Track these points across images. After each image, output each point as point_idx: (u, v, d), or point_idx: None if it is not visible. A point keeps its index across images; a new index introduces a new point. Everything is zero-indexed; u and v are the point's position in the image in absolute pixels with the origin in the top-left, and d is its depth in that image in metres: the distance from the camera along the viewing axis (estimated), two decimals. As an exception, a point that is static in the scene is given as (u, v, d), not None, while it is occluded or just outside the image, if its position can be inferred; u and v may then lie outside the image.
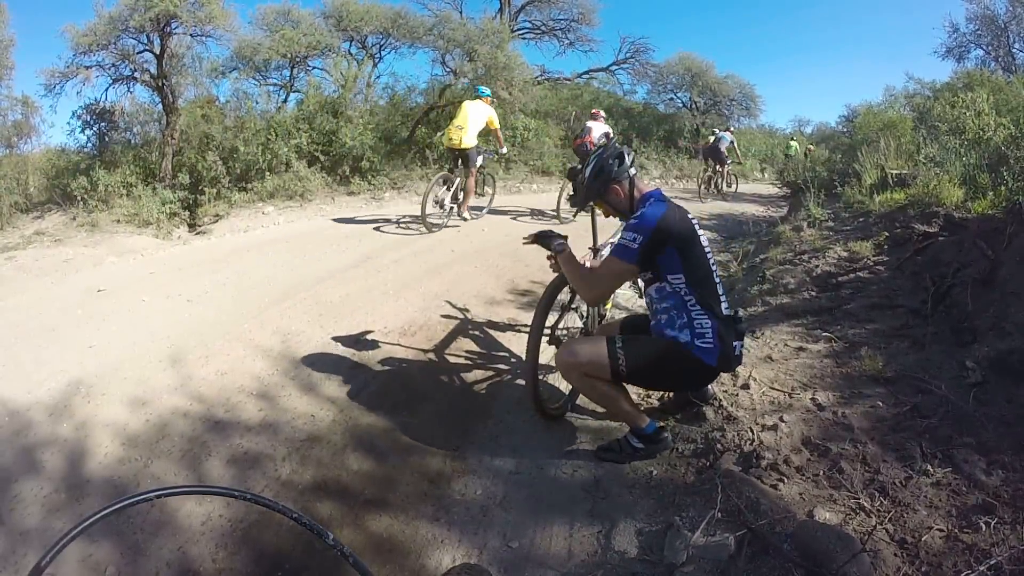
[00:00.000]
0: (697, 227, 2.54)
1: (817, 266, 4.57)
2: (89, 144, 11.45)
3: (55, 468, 2.70)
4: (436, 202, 7.71)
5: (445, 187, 7.89)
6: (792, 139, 18.17)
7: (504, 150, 9.17)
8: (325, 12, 14.38)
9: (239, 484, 2.59)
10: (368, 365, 3.78)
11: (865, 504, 2.09)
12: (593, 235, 3.54)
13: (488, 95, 8.53)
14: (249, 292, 5.30)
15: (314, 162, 11.42)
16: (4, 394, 3.39)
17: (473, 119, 7.89)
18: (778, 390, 3.02)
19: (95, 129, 11.51)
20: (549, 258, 2.79)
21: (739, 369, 3.12)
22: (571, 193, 3.45)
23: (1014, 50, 16.50)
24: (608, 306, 3.63)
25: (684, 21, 43.08)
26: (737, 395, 3.00)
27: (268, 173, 10.80)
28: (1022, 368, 2.72)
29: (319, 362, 3.80)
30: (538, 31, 20.94)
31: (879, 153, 6.29)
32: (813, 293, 4.30)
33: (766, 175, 17.68)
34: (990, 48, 16.90)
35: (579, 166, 3.43)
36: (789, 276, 4.59)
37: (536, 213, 9.60)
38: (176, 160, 11.00)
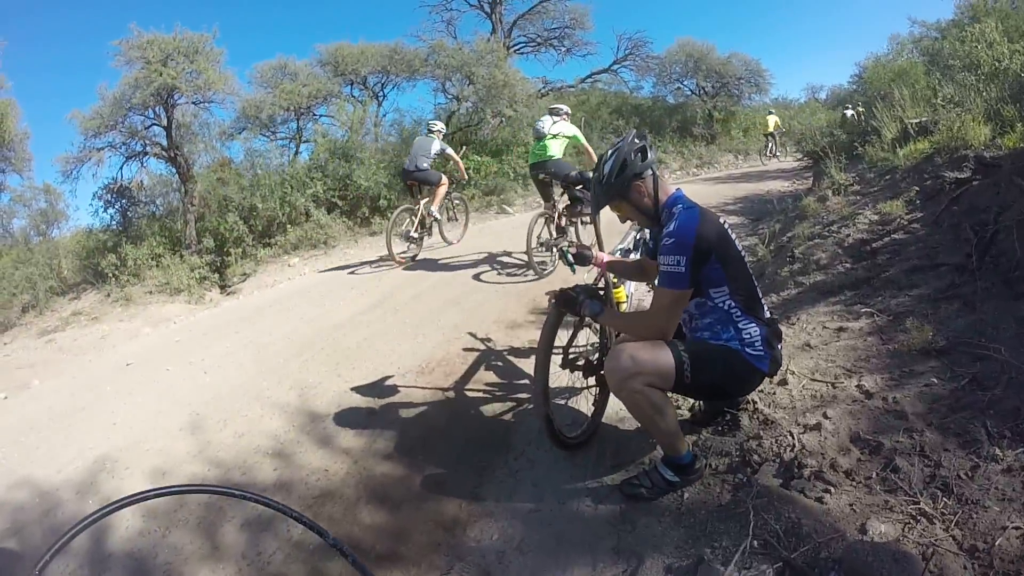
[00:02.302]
0: (729, 229, 2.34)
1: (848, 235, 4.23)
2: (113, 222, 11.79)
3: (80, 545, 2.66)
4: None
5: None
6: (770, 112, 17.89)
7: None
8: (321, 60, 14.67)
9: (251, 548, 2.55)
10: (384, 411, 3.65)
11: (926, 508, 1.80)
12: (599, 245, 3.30)
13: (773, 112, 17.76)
14: (269, 348, 5.26)
15: (333, 208, 11.48)
16: (35, 475, 3.46)
17: (772, 122, 16.96)
18: (820, 381, 2.72)
19: (117, 207, 11.86)
20: (550, 296, 2.59)
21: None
22: (568, 203, 3.19)
23: (1018, -27, 15.64)
24: (623, 307, 3.38)
25: (677, 6, 42.40)
26: (774, 393, 2.71)
27: (289, 226, 10.91)
28: (1090, 314, 2.39)
29: (335, 413, 3.70)
30: (534, 43, 20.96)
31: (895, 105, 5.91)
32: (848, 265, 3.96)
33: (788, 149, 17.08)
34: (992, -26, 16.07)
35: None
36: (819, 251, 4.26)
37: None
38: (199, 225, 11.22)
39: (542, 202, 6.81)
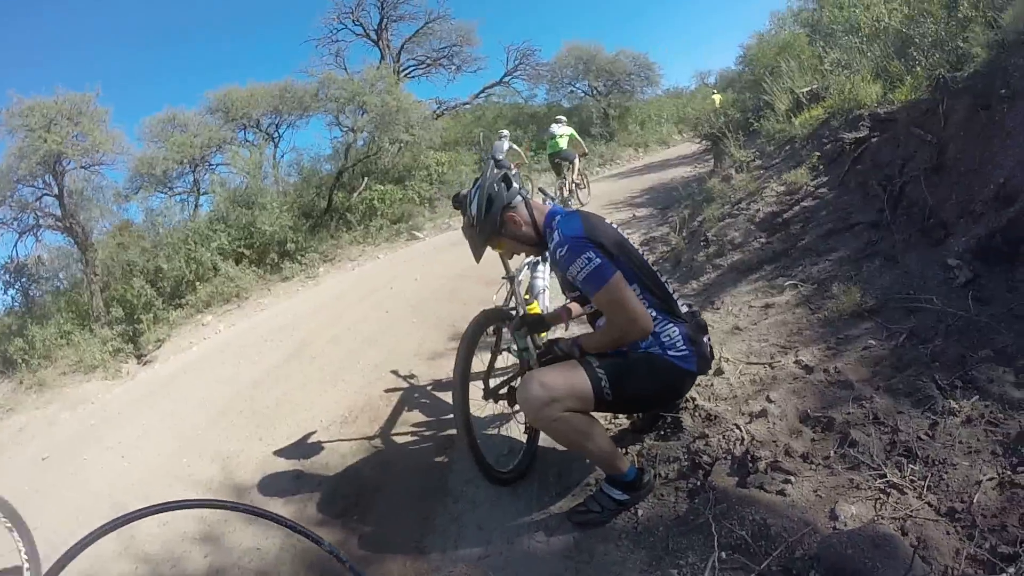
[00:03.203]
0: (620, 229, 2.22)
1: (758, 210, 4.21)
2: (15, 303, 10.96)
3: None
4: None
5: None
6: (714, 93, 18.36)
7: None
8: (211, 107, 14.09)
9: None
10: (311, 471, 3.36)
11: (894, 478, 1.68)
12: (504, 265, 3.11)
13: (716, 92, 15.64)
14: (186, 419, 4.95)
15: (240, 259, 10.96)
16: (-42, 600, 3.11)
17: (717, 100, 13.82)
18: (756, 363, 2.62)
19: (17, 287, 11.02)
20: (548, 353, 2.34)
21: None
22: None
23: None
24: (544, 335, 3.19)
25: (562, 11, 43.54)
26: (712, 385, 2.58)
27: (198, 283, 10.36)
28: (1010, 247, 2.38)
29: (261, 483, 3.39)
30: (424, 65, 21.12)
31: (784, 77, 6.06)
32: (762, 240, 3.94)
33: (683, 136, 17.70)
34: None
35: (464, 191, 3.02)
36: (732, 230, 4.23)
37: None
38: (106, 295, 10.53)
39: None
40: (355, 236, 12.09)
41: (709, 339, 2.21)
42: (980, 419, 1.77)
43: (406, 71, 20.45)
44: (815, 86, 5.42)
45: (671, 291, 2.18)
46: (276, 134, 15.22)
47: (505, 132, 11.58)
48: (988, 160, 2.70)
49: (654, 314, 2.07)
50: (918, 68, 3.87)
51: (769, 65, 6.98)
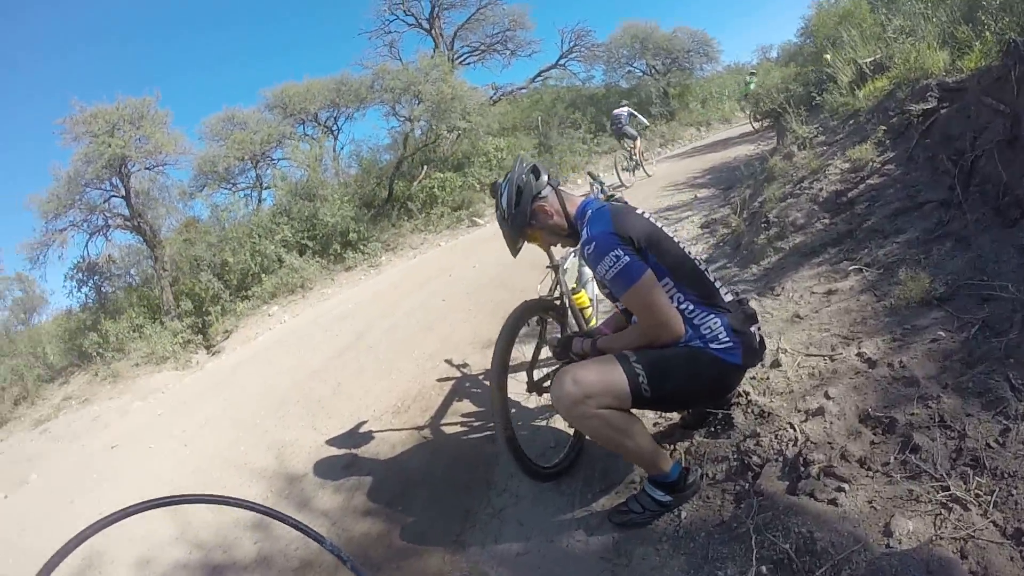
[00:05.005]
0: (654, 220, 2.14)
1: (821, 189, 3.98)
2: (89, 300, 11.60)
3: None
4: None
5: None
6: (751, 73, 17.27)
7: None
8: (268, 104, 14.53)
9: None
10: (361, 461, 3.42)
11: (957, 492, 1.52)
12: (548, 253, 2.97)
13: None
14: (246, 408, 5.15)
15: (304, 250, 11.27)
16: (26, 581, 3.33)
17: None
18: (816, 355, 2.45)
19: (90, 284, 11.66)
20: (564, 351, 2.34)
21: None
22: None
23: None
24: (588, 312, 3.12)
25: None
26: (768, 378, 2.43)
27: (263, 275, 10.71)
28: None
29: (313, 471, 3.49)
30: (478, 52, 21.17)
31: (846, 47, 5.71)
32: (826, 221, 3.72)
33: (747, 112, 17.10)
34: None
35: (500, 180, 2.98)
36: (794, 211, 4.01)
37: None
38: (175, 289, 11.06)
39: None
40: (416, 224, 12.27)
41: (759, 328, 2.08)
42: (1059, 425, 1.60)
43: (460, 58, 20.51)
44: (879, 55, 5.07)
45: (712, 280, 2.07)
46: (335, 127, 15.67)
47: (625, 101, 12.99)
48: (1070, 130, 2.45)
49: (691, 307, 1.97)
50: (987, 33, 3.60)
51: (831, 36, 6.59)
